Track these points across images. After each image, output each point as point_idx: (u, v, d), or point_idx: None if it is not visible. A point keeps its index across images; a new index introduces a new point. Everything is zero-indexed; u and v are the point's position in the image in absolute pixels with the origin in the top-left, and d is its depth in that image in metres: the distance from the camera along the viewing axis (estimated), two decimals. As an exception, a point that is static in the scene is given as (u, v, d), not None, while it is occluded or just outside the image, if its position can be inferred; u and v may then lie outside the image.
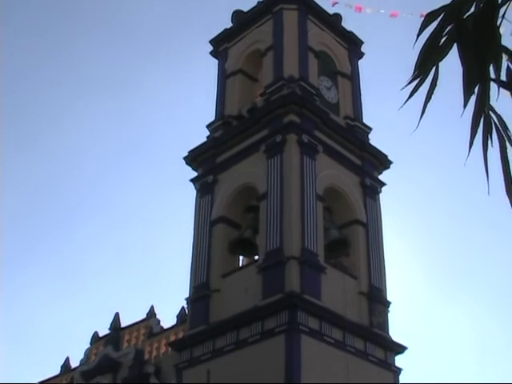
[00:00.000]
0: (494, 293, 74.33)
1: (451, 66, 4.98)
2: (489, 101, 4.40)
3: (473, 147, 4.44)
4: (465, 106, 4.35)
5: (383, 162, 33.76)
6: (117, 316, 34.47)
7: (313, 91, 32.09)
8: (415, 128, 4.82)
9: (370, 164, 33.22)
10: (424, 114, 4.62)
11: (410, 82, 4.61)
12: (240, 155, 31.75)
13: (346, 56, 36.36)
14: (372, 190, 32.73)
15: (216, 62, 36.87)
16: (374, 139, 34.33)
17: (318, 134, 31.13)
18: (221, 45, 36.81)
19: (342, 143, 32.23)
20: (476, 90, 4.37)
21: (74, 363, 36.30)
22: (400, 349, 30.09)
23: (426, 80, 4.65)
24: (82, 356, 35.67)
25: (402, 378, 29.70)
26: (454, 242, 78.76)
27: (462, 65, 4.42)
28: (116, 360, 32.71)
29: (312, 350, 26.54)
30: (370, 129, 34.63)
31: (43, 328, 78.62)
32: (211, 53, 37.23)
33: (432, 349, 72.01)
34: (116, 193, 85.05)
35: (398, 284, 75.05)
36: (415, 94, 4.71)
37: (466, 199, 76.64)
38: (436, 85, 4.60)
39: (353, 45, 36.91)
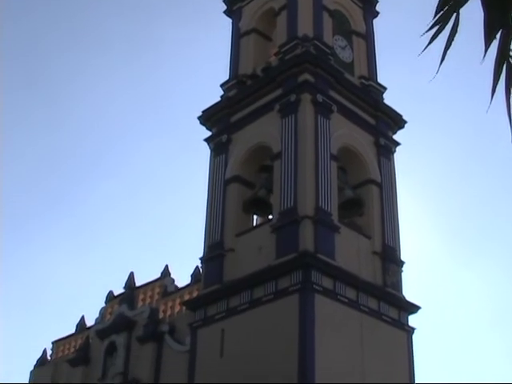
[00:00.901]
0: (511, 256, 74.42)
1: (470, 14, 4.90)
2: (511, 46, 4.32)
3: (495, 95, 4.37)
4: (486, 52, 4.27)
5: (397, 122, 33.58)
6: (131, 275, 34.67)
7: (327, 50, 31.86)
8: (435, 74, 4.75)
9: (385, 123, 33.05)
10: (444, 61, 4.54)
11: (430, 29, 4.52)
12: (254, 114, 31.64)
13: (361, 15, 36.02)
14: (386, 149, 32.60)
15: (230, 21, 36.62)
16: (389, 99, 34.19)
17: (332, 93, 30.96)
18: (235, 4, 36.51)
19: (356, 103, 32.06)
20: (498, 36, 4.29)
21: (89, 322, 36.72)
22: (413, 308, 30.14)
23: (446, 27, 4.57)
24: (97, 315, 36.01)
25: (415, 338, 29.88)
26: (470, 203, 78.54)
27: (484, 10, 4.32)
28: (131, 319, 32.95)
29: (326, 309, 26.63)
30: (385, 88, 34.41)
31: (59, 287, 79.22)
32: (225, 12, 36.96)
33: (445, 309, 72.16)
34: (131, 153, 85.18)
35: (412, 244, 75.07)
36: (432, 47, 4.63)
37: (481, 160, 76.34)
38: (456, 31, 4.52)
39: (368, 4, 36.54)
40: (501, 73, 4.28)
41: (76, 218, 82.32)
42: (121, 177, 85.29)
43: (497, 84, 4.31)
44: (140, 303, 33.53)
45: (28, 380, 38.52)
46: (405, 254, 31.14)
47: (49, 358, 38.54)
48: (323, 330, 26.08)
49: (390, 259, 30.10)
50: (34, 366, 38.72)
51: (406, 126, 33.81)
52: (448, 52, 4.53)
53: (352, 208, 30.71)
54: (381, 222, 30.68)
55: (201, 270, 31.02)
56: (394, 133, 33.62)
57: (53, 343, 38.77)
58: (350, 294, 27.74)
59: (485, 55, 4.34)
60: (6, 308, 75.79)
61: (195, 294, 30.77)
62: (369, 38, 35.62)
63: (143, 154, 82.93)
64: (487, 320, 71.97)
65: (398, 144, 33.41)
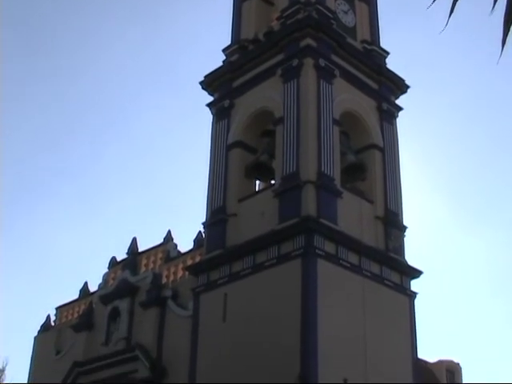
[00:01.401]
0: None
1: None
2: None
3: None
4: (495, 3, 4.21)
5: (400, 87, 33.44)
6: (134, 241, 34.74)
7: (330, 15, 31.63)
8: (444, 27, 4.70)
9: (387, 88, 32.92)
10: (452, 13, 4.48)
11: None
12: (256, 79, 31.51)
13: (363, -22, 35.71)
14: (389, 114, 32.50)
15: (232, -15, 36.31)
16: (392, 64, 34.01)
17: (334, 58, 30.80)
18: (236, -32, 36.18)
19: (358, 67, 31.91)
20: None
21: (93, 288, 36.87)
22: (415, 273, 30.21)
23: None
24: (100, 280, 36.17)
25: (416, 302, 29.95)
26: (473, 168, 78.57)
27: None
28: (134, 284, 33.07)
29: (328, 273, 26.69)
30: (388, 53, 34.23)
31: (62, 253, 79.51)
32: (227, -23, 36.66)
33: (447, 274, 72.47)
34: (134, 120, 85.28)
35: (415, 209, 75.21)
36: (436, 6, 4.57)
37: (485, 124, 76.21)
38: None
39: (369, -33, 36.21)
40: (511, 23, 4.20)
41: (79, 184, 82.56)
42: (123, 144, 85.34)
43: (507, 35, 4.24)
44: (143, 268, 33.64)
45: (32, 346, 38.73)
46: (407, 219, 31.22)
47: (52, 323, 38.72)
48: (325, 295, 26.15)
49: (393, 224, 30.11)
50: (38, 332, 38.92)
51: (408, 90, 33.69)
52: (457, 4, 4.47)
53: (354, 173, 30.70)
54: (383, 186, 30.67)
55: (203, 235, 31.05)
56: (397, 98, 33.50)
57: (56, 309, 38.95)
58: (353, 258, 27.80)
59: (494, 5, 4.28)
60: (10, 275, 76.19)
61: (198, 259, 30.86)
62: (371, 2, 35.36)
63: (145, 121, 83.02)
64: (489, 284, 72.29)
65: (400, 109, 33.31)
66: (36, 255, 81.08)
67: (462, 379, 36.88)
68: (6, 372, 56.07)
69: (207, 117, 33.06)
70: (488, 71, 68.79)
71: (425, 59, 74.75)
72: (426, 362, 34.27)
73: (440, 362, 36.37)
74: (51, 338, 37.46)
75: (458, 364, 37.18)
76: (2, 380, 56.20)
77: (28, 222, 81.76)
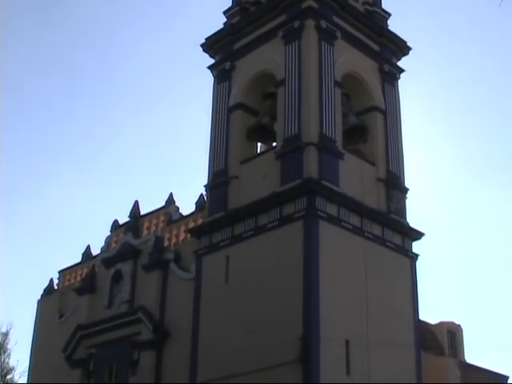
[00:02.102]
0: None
1: None
2: None
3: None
4: None
5: (402, 48, 33.25)
6: (136, 204, 34.76)
7: (331, -25, 31.37)
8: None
9: (389, 50, 32.75)
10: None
11: None
12: (257, 41, 31.35)
13: None
14: (390, 76, 32.36)
15: None
16: (393, 25, 33.81)
17: (336, 19, 30.62)
18: None
19: (360, 29, 31.71)
20: None
21: (95, 251, 36.97)
22: (417, 235, 30.27)
23: None
24: (102, 244, 36.26)
25: (418, 264, 30.02)
26: (476, 129, 78.40)
27: None
28: (136, 247, 33.15)
29: (330, 235, 26.74)
30: (389, 14, 34.02)
31: (64, 217, 79.58)
32: None
33: (449, 236, 72.63)
34: (137, 82, 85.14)
35: (417, 171, 75.18)
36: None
37: (487, 84, 75.92)
38: None
39: None
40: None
41: (81, 148, 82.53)
42: (125, 107, 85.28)
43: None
44: (145, 231, 33.70)
45: (35, 309, 38.89)
46: (409, 181, 31.22)
47: (55, 287, 38.85)
48: (327, 256, 26.22)
49: (394, 186, 30.12)
50: (41, 296, 39.09)
51: (410, 52, 33.51)
52: None
53: (356, 135, 30.64)
54: (385, 148, 30.64)
55: (205, 198, 31.08)
56: (399, 59, 33.34)
57: (59, 272, 39.06)
58: (354, 220, 27.83)
59: None
60: (13, 239, 76.39)
61: (200, 222, 30.89)
62: (373, -38, 35.02)
63: (147, 83, 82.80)
64: (489, 246, 72.45)
65: (402, 70, 33.17)
66: (38, 220, 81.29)
67: (462, 340, 37.05)
68: (10, 336, 56.65)
69: (208, 79, 33.01)
70: (489, 28, 68.54)
71: (426, 21, 74.39)
72: (427, 324, 34.42)
73: (441, 324, 36.53)
74: (54, 302, 37.61)
75: (459, 325, 37.34)
76: (6, 344, 56.72)
77: (30, 187, 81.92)
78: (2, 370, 56.30)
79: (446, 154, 78.52)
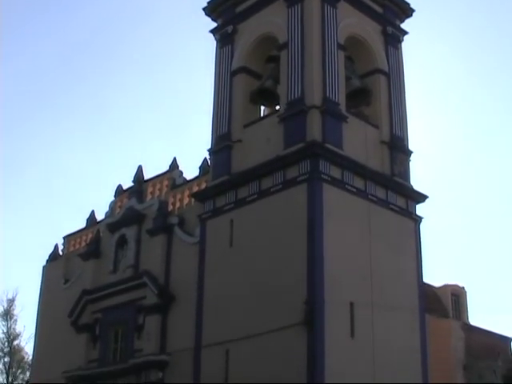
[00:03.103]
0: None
1: None
2: None
3: None
4: None
5: (405, 10, 32.98)
6: (140, 168, 34.73)
7: None
8: None
9: (392, 12, 32.47)
10: None
11: None
12: (260, 4, 31.08)
13: None
14: (394, 38, 32.13)
15: None
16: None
17: (338, -19, 30.37)
18: None
19: (363, -10, 31.48)
20: None
21: (100, 216, 37.03)
22: (421, 198, 30.25)
23: None
24: (106, 209, 36.34)
25: (422, 227, 30.06)
26: (479, 89, 78.12)
27: None
28: (140, 212, 33.21)
29: (334, 198, 26.75)
30: (392, -24, 33.72)
31: (68, 183, 79.90)
32: None
33: (453, 198, 72.68)
34: (140, 45, 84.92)
35: (421, 133, 75.15)
36: None
37: (490, 46, 75.53)
38: None
39: None
40: None
41: (84, 113, 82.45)
42: (128, 71, 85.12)
43: None
44: (149, 196, 33.72)
45: (41, 275, 39.04)
46: (413, 144, 31.15)
47: (60, 253, 38.98)
48: (331, 220, 26.24)
49: (398, 148, 30.05)
50: (46, 261, 39.25)
51: (413, 14, 33.25)
52: None
53: (359, 98, 30.50)
54: (388, 111, 30.51)
55: (209, 162, 31.04)
56: (402, 21, 33.08)
57: (64, 238, 39.17)
58: (358, 183, 27.82)
59: None
60: (17, 206, 76.58)
61: (204, 186, 30.90)
62: None
63: (150, 47, 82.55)
64: (495, 209, 72.49)
65: (405, 33, 32.92)
66: (42, 185, 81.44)
67: (466, 303, 37.25)
68: (15, 302, 56.96)
69: (211, 43, 32.83)
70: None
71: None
72: (431, 286, 34.59)
73: (445, 286, 36.75)
74: (59, 267, 37.78)
75: (463, 288, 37.55)
76: (13, 310, 57.06)
77: (33, 154, 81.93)
78: (9, 336, 56.72)
79: (450, 117, 78.36)
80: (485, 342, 34.03)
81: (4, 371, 55.93)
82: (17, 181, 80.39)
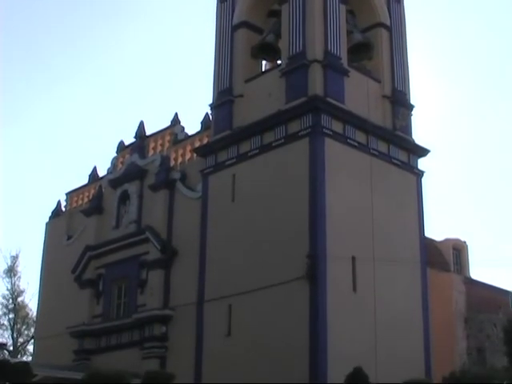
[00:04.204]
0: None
1: None
2: None
3: None
4: None
5: (407, -37, 32.71)
6: (141, 124, 34.68)
7: None
8: None
9: (394, -35, 32.21)
10: None
11: None
12: (260, -43, 30.88)
13: None
14: (396, -9, 31.92)
15: None
16: None
17: None
18: None
19: None
20: None
21: (102, 172, 37.08)
22: (423, 152, 30.25)
23: None
24: (108, 165, 36.37)
25: (425, 181, 30.10)
26: (485, 45, 77.60)
27: None
28: (142, 167, 33.23)
29: (335, 152, 26.75)
30: None
31: (70, 139, 79.81)
32: None
33: (455, 152, 72.55)
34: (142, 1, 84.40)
35: (423, 88, 74.76)
36: None
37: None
38: None
39: None
40: None
41: (85, 68, 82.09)
42: (130, 25, 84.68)
43: None
44: (151, 152, 33.73)
45: (44, 231, 39.17)
46: (415, 98, 31.07)
47: (63, 209, 39.06)
48: (333, 174, 26.29)
49: (400, 103, 29.97)
50: (49, 218, 39.34)
51: (415, -33, 32.99)
52: None
53: (361, 52, 30.32)
54: (390, 65, 30.38)
55: (210, 117, 30.99)
56: (404, -25, 32.81)
57: (66, 194, 39.28)
58: (360, 137, 27.79)
59: None
60: (19, 162, 76.56)
61: (205, 141, 30.91)
62: None
63: (150, 3, 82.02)
64: (497, 162, 72.39)
65: (407, -14, 32.68)
66: (44, 142, 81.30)
67: (468, 257, 37.33)
68: (19, 259, 57.19)
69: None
70: None
71: None
72: (432, 240, 34.62)
73: (447, 241, 36.77)
74: (62, 224, 37.90)
75: (465, 242, 37.59)
76: (16, 266, 57.30)
77: (34, 111, 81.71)
78: (13, 293, 57.01)
79: (452, 70, 77.96)
80: (486, 296, 34.13)
81: (9, 327, 56.35)
82: (19, 138, 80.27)
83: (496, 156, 72.92)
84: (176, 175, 31.47)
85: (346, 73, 28.06)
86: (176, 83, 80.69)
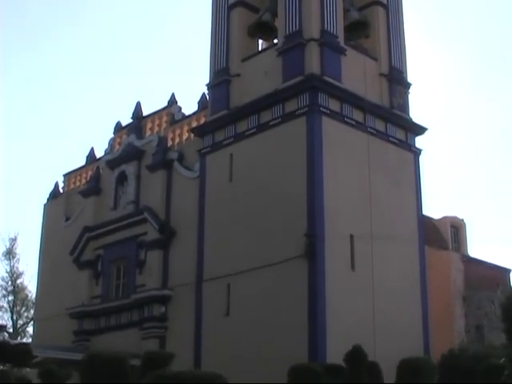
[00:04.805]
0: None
1: None
2: None
3: None
4: None
5: None
6: (138, 105, 34.61)
7: None
8: None
9: None
10: None
11: None
12: None
13: None
14: (392, -31, 31.78)
15: None
16: None
17: None
18: None
19: None
20: None
21: (99, 153, 37.02)
22: (420, 130, 30.22)
23: None
24: (106, 146, 36.31)
25: (422, 160, 30.08)
26: (484, 23, 77.34)
27: None
28: (140, 148, 33.20)
29: (333, 131, 26.74)
30: None
31: (67, 120, 79.62)
32: None
33: (453, 130, 72.48)
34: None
35: (420, 66, 74.54)
36: None
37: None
38: None
39: None
40: None
41: (82, 48, 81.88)
42: (127, 5, 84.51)
43: None
44: (148, 132, 33.69)
45: (42, 213, 39.17)
46: (412, 76, 31.06)
47: (61, 190, 39.03)
48: (331, 153, 26.28)
49: (397, 81, 29.92)
50: (47, 200, 39.34)
51: None
52: None
53: (358, 30, 30.24)
54: (387, 43, 30.31)
55: (207, 97, 30.94)
56: (400, -48, 32.64)
57: (64, 176, 39.24)
58: (357, 116, 27.78)
59: None
60: (17, 145, 76.49)
61: (203, 121, 30.85)
62: None
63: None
64: (495, 140, 72.37)
65: (404, -36, 32.52)
66: (42, 124, 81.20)
67: (466, 235, 37.40)
68: (17, 241, 57.23)
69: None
70: None
71: None
72: (430, 219, 34.69)
73: (445, 219, 36.83)
74: (60, 205, 37.90)
75: (463, 220, 37.65)
76: (15, 249, 57.34)
77: (33, 90, 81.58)
78: (12, 275, 57.09)
79: (450, 48, 77.79)
80: (484, 274, 34.23)
81: (8, 309, 56.47)
82: (16, 120, 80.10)
83: (494, 132, 72.98)
84: (173, 155, 31.44)
85: (342, 51, 27.99)
86: (173, 63, 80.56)
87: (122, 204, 33.32)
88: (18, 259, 57.17)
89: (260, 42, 31.89)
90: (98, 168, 35.53)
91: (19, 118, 79.60)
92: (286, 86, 27.12)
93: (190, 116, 32.15)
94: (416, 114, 30.27)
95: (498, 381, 20.07)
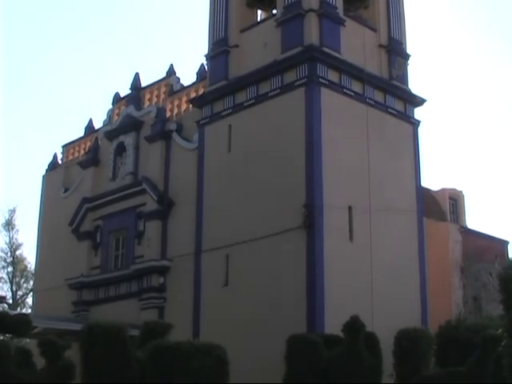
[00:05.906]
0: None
1: None
2: None
3: None
4: None
5: None
6: (137, 76, 34.54)
7: None
8: None
9: None
10: None
11: None
12: None
13: None
14: None
15: None
16: None
17: None
18: None
19: None
20: None
21: (98, 124, 36.94)
22: (419, 101, 30.19)
23: None
24: (104, 117, 36.27)
25: (421, 131, 30.06)
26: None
27: None
28: (138, 119, 33.16)
29: (332, 102, 26.70)
30: None
31: (65, 92, 79.40)
32: None
33: (452, 101, 72.37)
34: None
35: (420, 37, 74.27)
36: None
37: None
38: None
39: None
40: None
41: (79, 20, 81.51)
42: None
43: None
44: (146, 103, 33.63)
45: (41, 184, 39.18)
46: (411, 47, 30.95)
47: (60, 161, 39.02)
48: (329, 123, 26.26)
49: (396, 52, 29.83)
50: (46, 171, 39.33)
51: None
52: None
53: (357, 1, 30.14)
54: (386, 14, 30.19)
55: (206, 68, 30.84)
56: None
57: (63, 147, 39.22)
58: (356, 87, 27.72)
59: None
60: (15, 116, 76.33)
61: (201, 92, 30.76)
62: None
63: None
64: (493, 111, 72.27)
65: None
66: (40, 95, 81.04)
67: (464, 207, 37.39)
68: (16, 212, 57.28)
69: None
70: None
71: None
72: (429, 190, 34.67)
73: (443, 190, 36.78)
74: (59, 176, 37.90)
75: (461, 192, 37.62)
76: (14, 220, 57.41)
77: (31, 63, 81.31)
78: (12, 246, 57.18)
79: (449, 18, 77.51)
80: (482, 245, 34.24)
81: (8, 280, 56.62)
82: (15, 92, 79.85)
83: (492, 105, 72.85)
84: (172, 126, 31.41)
85: (341, 22, 27.88)
86: (171, 34, 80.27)
87: (120, 175, 33.33)
88: (17, 230, 57.29)
89: (259, 12, 31.78)
90: (96, 139, 35.51)
91: (17, 90, 79.47)
92: (284, 56, 27.04)
93: (188, 87, 32.05)
94: (415, 86, 30.21)
95: (496, 351, 20.16)
